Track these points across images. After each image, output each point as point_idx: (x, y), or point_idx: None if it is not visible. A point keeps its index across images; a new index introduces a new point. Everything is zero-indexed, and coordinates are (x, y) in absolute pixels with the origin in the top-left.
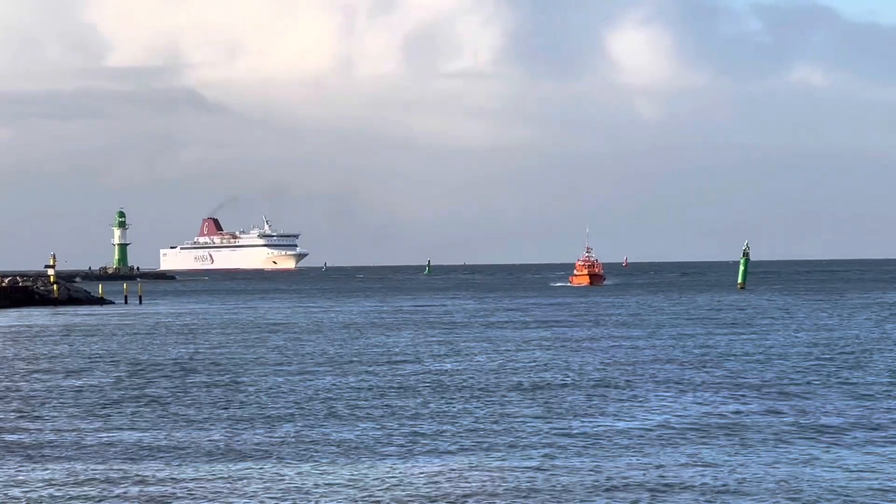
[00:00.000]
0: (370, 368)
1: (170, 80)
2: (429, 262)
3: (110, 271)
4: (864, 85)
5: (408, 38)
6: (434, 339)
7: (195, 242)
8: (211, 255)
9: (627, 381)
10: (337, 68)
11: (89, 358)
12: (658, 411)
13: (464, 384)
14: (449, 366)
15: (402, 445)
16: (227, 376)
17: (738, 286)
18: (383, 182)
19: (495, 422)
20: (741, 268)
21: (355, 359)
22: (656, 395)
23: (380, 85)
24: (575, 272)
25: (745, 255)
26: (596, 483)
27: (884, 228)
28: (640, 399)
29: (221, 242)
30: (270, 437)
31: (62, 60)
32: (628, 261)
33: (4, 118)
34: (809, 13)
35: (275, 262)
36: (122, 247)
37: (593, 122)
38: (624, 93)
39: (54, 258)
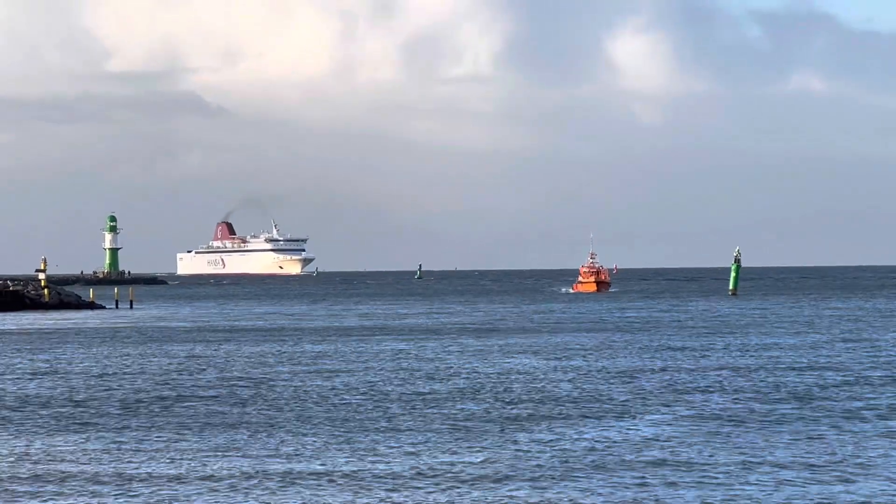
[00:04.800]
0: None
1: (170, 84)
2: (420, 266)
3: (101, 275)
4: (863, 91)
5: (407, 43)
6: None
7: (209, 246)
8: (223, 260)
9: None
10: (337, 73)
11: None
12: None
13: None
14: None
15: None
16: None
17: (730, 293)
18: (382, 186)
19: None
20: (732, 274)
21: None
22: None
23: (379, 90)
24: (580, 279)
25: (737, 261)
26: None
27: (882, 234)
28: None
29: (232, 247)
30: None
31: (62, 65)
32: (618, 267)
33: (5, 122)
34: (808, 20)
35: (281, 267)
36: (114, 251)
37: (592, 127)
38: (622, 98)
39: (45, 262)
